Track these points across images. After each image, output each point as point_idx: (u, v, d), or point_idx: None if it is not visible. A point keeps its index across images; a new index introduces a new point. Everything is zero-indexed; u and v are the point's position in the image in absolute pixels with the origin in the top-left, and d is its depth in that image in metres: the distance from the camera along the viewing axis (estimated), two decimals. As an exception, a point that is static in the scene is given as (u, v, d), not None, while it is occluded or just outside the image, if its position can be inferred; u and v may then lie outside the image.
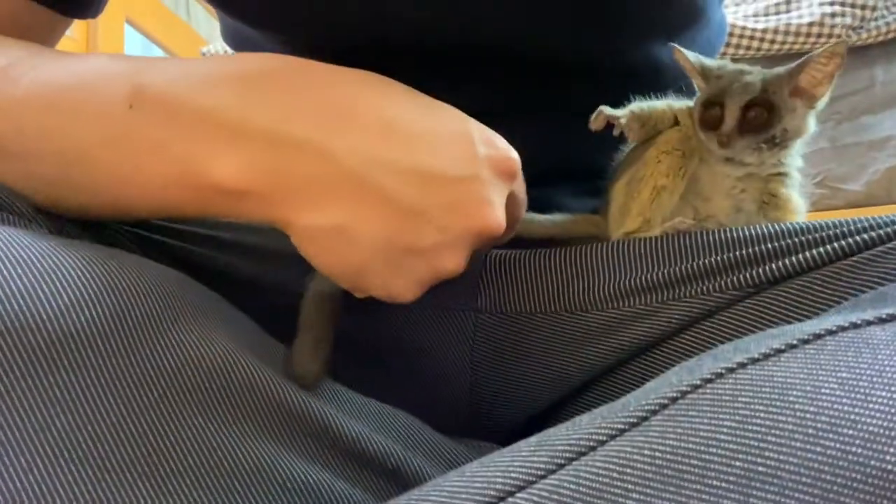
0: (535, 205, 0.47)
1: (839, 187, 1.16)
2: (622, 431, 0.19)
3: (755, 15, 1.23)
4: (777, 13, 1.22)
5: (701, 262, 0.32)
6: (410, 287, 0.32)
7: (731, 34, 1.20)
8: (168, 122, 0.29)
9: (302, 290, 0.37)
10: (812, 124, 0.39)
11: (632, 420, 0.19)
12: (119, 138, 0.29)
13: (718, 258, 0.32)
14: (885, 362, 0.17)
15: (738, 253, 0.31)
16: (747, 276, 0.31)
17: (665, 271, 0.33)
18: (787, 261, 0.30)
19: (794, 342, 0.18)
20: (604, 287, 0.35)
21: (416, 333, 0.40)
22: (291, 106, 0.29)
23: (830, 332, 0.18)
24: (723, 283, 0.31)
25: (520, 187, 0.35)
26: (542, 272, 0.38)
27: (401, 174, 0.29)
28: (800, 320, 0.28)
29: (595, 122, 0.39)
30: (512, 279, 0.39)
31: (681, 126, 0.40)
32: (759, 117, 0.37)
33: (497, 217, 0.31)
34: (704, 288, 0.32)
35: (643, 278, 0.34)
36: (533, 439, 0.21)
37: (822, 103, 0.38)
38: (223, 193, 0.29)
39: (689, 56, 0.40)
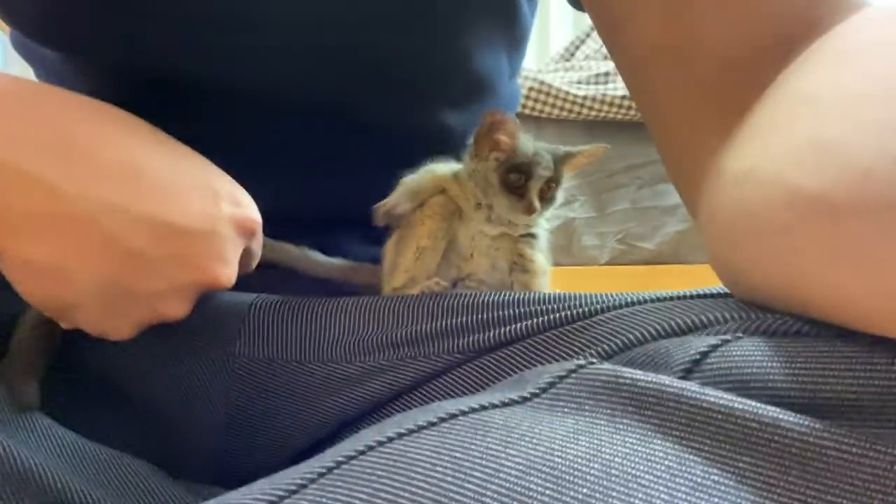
0: (322, 248, 0.49)
1: (636, 245, 1.31)
2: (281, 498, 0.20)
3: (579, 82, 1.36)
4: (597, 83, 1.36)
5: (436, 325, 0.35)
6: (125, 327, 0.32)
7: (556, 97, 1.31)
8: None
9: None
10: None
11: (291, 487, 0.20)
12: None
13: (451, 321, 0.35)
14: (490, 445, 0.19)
15: (465, 318, 0.35)
16: (469, 341, 0.34)
17: (406, 330, 0.36)
18: (502, 330, 0.33)
19: (435, 419, 0.21)
20: (352, 341, 0.37)
21: (169, 375, 0.39)
22: (26, 137, 0.28)
23: (463, 413, 0.21)
24: (450, 346, 0.34)
25: (256, 243, 0.37)
26: (300, 322, 0.39)
27: (132, 222, 0.29)
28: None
29: (379, 220, 0.42)
30: (272, 327, 0.39)
31: (447, 191, 0.44)
32: (551, 191, 0.43)
33: (228, 273, 0.33)
34: (434, 349, 0.35)
35: (387, 335, 0.36)
36: (212, 501, 0.22)
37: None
38: None
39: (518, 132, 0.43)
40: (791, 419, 0.18)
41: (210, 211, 0.32)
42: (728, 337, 0.22)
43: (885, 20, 0.23)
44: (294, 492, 0.20)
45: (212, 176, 0.33)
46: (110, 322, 0.32)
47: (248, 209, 0.34)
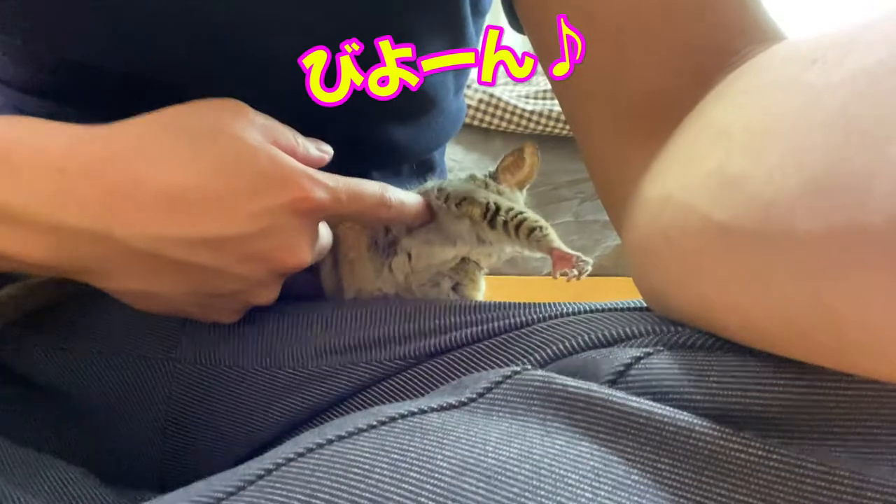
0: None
1: (578, 257, 1.34)
2: (219, 500, 0.21)
3: (527, 97, 1.39)
4: (544, 98, 1.39)
5: (378, 331, 0.36)
6: (228, 316, 0.37)
7: (504, 110, 1.34)
8: None
9: None
10: None
11: (229, 489, 0.21)
12: None
13: (392, 328, 0.35)
14: (427, 447, 0.20)
15: (406, 326, 0.35)
16: (410, 348, 0.34)
17: (348, 336, 0.36)
18: (443, 337, 0.34)
19: (374, 423, 0.22)
20: (294, 347, 0.37)
21: (107, 377, 0.39)
22: (67, 194, 0.29)
23: (402, 416, 0.22)
24: (391, 352, 0.35)
25: (327, 209, 0.34)
26: (242, 327, 0.39)
27: (188, 245, 0.30)
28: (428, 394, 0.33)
29: None
30: (213, 331, 0.39)
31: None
32: None
33: (298, 256, 0.33)
34: (376, 356, 0.35)
35: (330, 341, 0.36)
36: (150, 503, 0.22)
37: None
38: (19, 263, 0.29)
39: None
40: (704, 424, 0.20)
41: (257, 210, 0.31)
42: (649, 350, 0.24)
43: (789, 57, 0.25)
44: (232, 493, 0.21)
45: (250, 172, 0.31)
46: (213, 315, 0.36)
47: (298, 191, 0.32)
